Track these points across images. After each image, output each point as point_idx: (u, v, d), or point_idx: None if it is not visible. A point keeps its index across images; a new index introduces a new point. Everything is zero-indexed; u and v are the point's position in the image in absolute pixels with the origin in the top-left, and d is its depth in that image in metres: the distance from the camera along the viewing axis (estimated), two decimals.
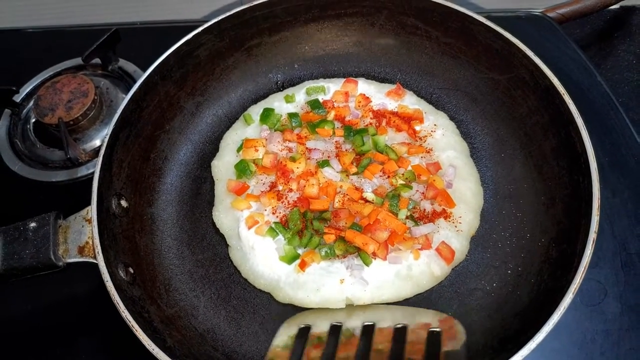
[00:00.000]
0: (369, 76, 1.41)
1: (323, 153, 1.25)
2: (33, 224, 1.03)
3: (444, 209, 1.16)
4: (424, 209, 1.16)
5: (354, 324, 1.02)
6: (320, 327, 1.03)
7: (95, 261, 1.00)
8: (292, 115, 1.31)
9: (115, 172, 1.15)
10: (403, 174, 1.20)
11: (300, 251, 1.13)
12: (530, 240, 1.12)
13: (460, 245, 1.12)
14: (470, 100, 1.33)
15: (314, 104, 1.32)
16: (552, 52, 1.49)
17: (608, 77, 1.59)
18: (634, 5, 1.75)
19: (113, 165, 1.14)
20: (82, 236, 1.04)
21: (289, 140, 1.27)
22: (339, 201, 1.17)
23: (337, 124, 1.30)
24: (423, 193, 1.18)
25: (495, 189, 1.22)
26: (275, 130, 1.30)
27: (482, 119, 1.31)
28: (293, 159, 1.23)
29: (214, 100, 1.39)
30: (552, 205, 1.12)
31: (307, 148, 1.26)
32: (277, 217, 1.17)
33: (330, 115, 1.31)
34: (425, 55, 1.38)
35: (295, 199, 1.18)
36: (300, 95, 1.37)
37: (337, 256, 1.12)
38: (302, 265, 1.11)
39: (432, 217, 1.15)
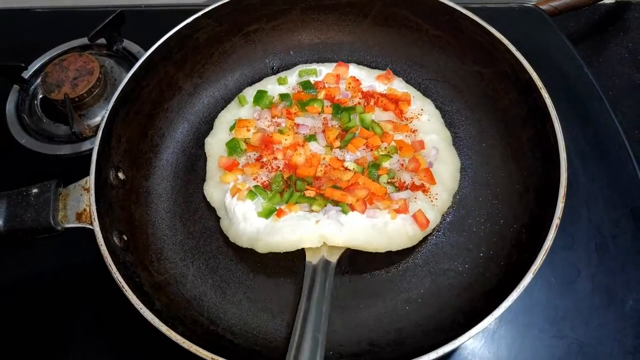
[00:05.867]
0: (361, 64, 1.45)
1: (310, 128, 1.29)
2: (35, 190, 1.10)
3: (423, 184, 1.20)
4: (404, 181, 1.21)
5: None
6: None
7: (91, 227, 1.07)
8: (283, 96, 1.35)
9: (114, 145, 1.21)
10: (386, 148, 1.24)
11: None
12: (503, 226, 1.17)
13: (434, 217, 1.17)
14: (456, 92, 1.38)
15: (305, 85, 1.37)
16: (541, 44, 1.54)
17: (600, 70, 1.63)
18: (629, 1, 1.79)
19: (112, 139, 1.21)
20: (80, 204, 1.11)
21: (277, 116, 1.31)
22: (321, 171, 1.21)
23: (327, 103, 1.34)
24: (402, 164, 1.22)
25: (473, 177, 1.27)
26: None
27: (465, 110, 1.36)
28: (281, 132, 1.27)
29: (211, 82, 1.44)
30: (525, 194, 1.17)
31: (295, 123, 1.30)
32: (257, 182, 1.21)
33: (321, 95, 1.35)
34: (415, 46, 1.43)
35: (280, 166, 1.23)
36: (292, 78, 1.41)
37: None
38: (279, 214, 1.14)
39: (411, 188, 1.19)
